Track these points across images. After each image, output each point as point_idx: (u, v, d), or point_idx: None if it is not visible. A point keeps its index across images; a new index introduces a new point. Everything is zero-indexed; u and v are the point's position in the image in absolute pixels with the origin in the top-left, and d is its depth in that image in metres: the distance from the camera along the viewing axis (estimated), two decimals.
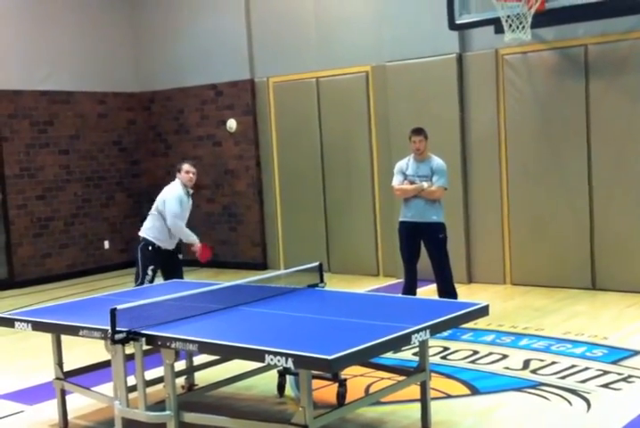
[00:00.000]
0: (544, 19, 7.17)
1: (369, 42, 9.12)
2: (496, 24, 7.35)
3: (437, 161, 6.77)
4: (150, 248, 6.68)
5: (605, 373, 5.25)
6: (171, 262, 6.80)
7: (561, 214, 8.07)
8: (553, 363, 5.53)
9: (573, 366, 5.42)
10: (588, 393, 4.85)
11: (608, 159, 7.78)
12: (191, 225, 10.89)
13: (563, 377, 5.20)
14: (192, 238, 6.81)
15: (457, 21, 7.66)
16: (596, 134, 7.81)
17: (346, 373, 4.86)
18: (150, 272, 6.68)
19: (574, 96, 7.85)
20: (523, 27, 6.99)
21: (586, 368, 5.37)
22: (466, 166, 8.58)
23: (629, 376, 5.15)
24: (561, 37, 7.87)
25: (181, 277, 6.70)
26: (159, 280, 6.74)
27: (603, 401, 4.72)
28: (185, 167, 6.81)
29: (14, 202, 9.90)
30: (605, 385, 5.00)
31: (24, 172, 10.01)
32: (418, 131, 6.75)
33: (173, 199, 6.69)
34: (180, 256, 6.89)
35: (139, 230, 6.92)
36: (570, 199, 8.01)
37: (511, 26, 7.04)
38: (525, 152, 8.22)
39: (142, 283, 6.58)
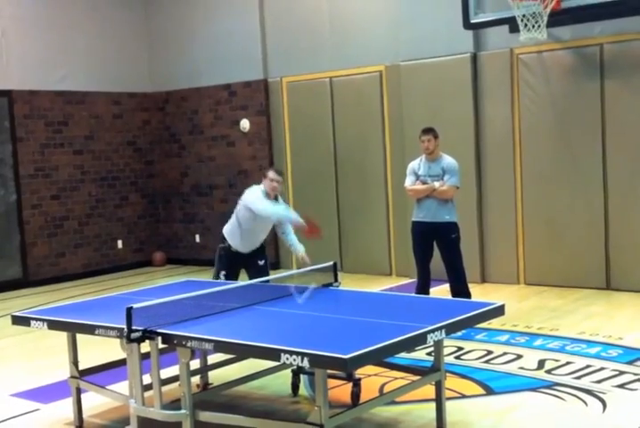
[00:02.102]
0: (559, 18, 7.14)
1: (383, 41, 9.11)
2: (512, 23, 7.34)
3: (448, 160, 6.76)
4: (222, 246, 6.30)
5: (621, 373, 5.22)
6: (250, 266, 6.29)
7: (575, 214, 8.03)
8: (568, 363, 5.51)
9: (588, 367, 5.40)
10: (604, 393, 4.83)
11: (623, 158, 7.74)
12: (204, 224, 10.99)
13: (579, 377, 5.18)
14: (288, 215, 6.07)
15: (472, 20, 7.65)
16: (611, 133, 7.77)
17: (360, 372, 4.85)
18: (222, 277, 6.20)
19: (589, 96, 7.82)
20: (539, 26, 6.97)
21: (602, 368, 5.34)
22: (480, 166, 8.56)
23: None
24: (576, 36, 7.83)
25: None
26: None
27: (618, 402, 4.70)
28: (270, 174, 6.19)
29: (29, 202, 9.96)
30: (621, 385, 4.98)
31: (39, 172, 10.07)
32: (427, 131, 6.74)
33: (252, 195, 6.12)
34: (261, 262, 6.31)
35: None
36: (584, 198, 7.97)
37: (526, 25, 7.03)
38: (540, 151, 8.19)
39: None
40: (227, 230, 6.36)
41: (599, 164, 7.85)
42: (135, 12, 11.19)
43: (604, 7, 6.97)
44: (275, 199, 6.31)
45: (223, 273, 6.26)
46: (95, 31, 10.69)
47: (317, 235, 5.93)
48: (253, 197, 6.11)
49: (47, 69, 10.19)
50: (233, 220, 6.35)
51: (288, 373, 4.98)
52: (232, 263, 6.29)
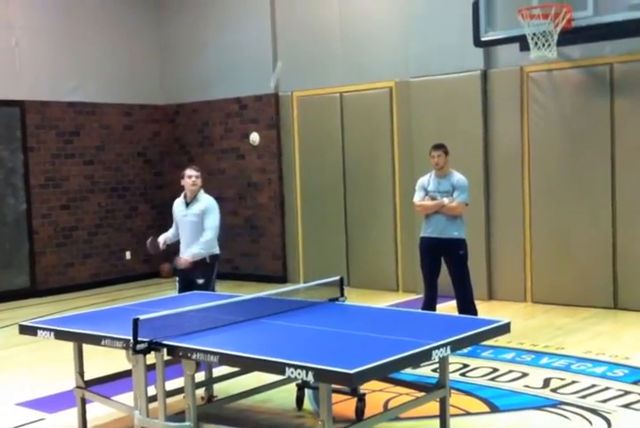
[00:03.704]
0: (570, 37, 7.16)
1: (394, 57, 9.16)
2: (522, 41, 7.36)
3: (458, 177, 6.77)
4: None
5: (626, 393, 5.20)
6: (188, 281, 6.38)
7: (583, 232, 8.02)
8: (574, 382, 5.49)
9: (594, 386, 5.38)
10: (609, 413, 4.81)
11: (632, 176, 7.73)
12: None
13: (584, 396, 5.16)
14: None
15: (483, 38, 7.68)
16: (621, 152, 7.77)
17: (364, 387, 4.85)
18: (176, 284, 6.56)
19: (599, 114, 7.83)
20: (549, 44, 6.99)
21: (607, 388, 5.32)
22: (489, 182, 8.57)
23: None
24: (586, 55, 7.86)
25: None
26: None
27: (623, 421, 4.68)
28: (185, 173, 6.52)
29: (39, 212, 10.01)
30: (626, 405, 4.95)
31: (49, 182, 10.13)
32: (437, 147, 6.78)
33: None
34: (200, 281, 6.33)
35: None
36: (593, 217, 7.96)
37: (536, 43, 7.05)
38: (548, 169, 8.20)
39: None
40: None
41: (608, 182, 7.85)
42: (146, 25, 11.28)
43: (615, 27, 6.99)
44: (194, 198, 6.46)
45: (176, 278, 6.60)
46: (107, 43, 10.78)
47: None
48: None
49: (59, 79, 10.28)
50: None
51: (293, 387, 4.98)
52: (180, 272, 6.52)
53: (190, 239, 6.45)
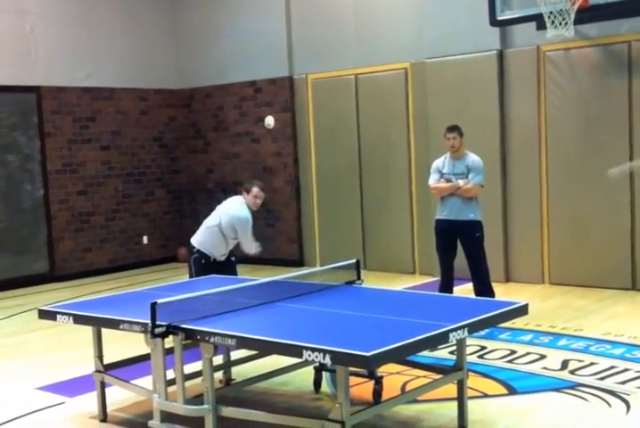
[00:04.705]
0: (587, 15, 7.09)
1: (408, 38, 9.08)
2: (538, 20, 7.30)
3: (473, 158, 6.73)
4: (203, 261, 6.41)
5: None
6: (226, 267, 6.46)
7: (601, 213, 7.96)
8: (592, 364, 5.47)
9: (612, 368, 5.36)
10: (628, 395, 4.79)
11: None
12: None
13: (602, 378, 5.14)
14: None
15: (499, 17, 7.62)
16: (639, 131, 7.68)
17: (382, 370, 4.85)
18: (192, 267, 6.50)
19: (617, 94, 7.74)
20: (566, 23, 6.92)
21: (626, 370, 5.30)
22: (506, 164, 8.51)
23: None
24: (604, 33, 7.75)
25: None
26: None
27: None
28: (255, 191, 6.45)
29: (56, 197, 10.06)
30: None
31: (66, 167, 10.17)
32: (452, 128, 6.73)
33: (245, 225, 6.41)
34: (233, 258, 6.59)
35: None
36: (610, 198, 7.90)
37: (553, 22, 6.98)
38: (566, 150, 8.13)
39: None
40: (208, 242, 6.42)
41: (626, 162, 7.76)
42: (161, 9, 11.25)
43: (632, 4, 6.91)
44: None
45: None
46: (122, 28, 10.77)
47: None
48: (245, 228, 6.41)
49: (75, 65, 10.28)
50: (215, 233, 6.41)
51: (311, 370, 5.00)
52: (213, 271, 6.28)
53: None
